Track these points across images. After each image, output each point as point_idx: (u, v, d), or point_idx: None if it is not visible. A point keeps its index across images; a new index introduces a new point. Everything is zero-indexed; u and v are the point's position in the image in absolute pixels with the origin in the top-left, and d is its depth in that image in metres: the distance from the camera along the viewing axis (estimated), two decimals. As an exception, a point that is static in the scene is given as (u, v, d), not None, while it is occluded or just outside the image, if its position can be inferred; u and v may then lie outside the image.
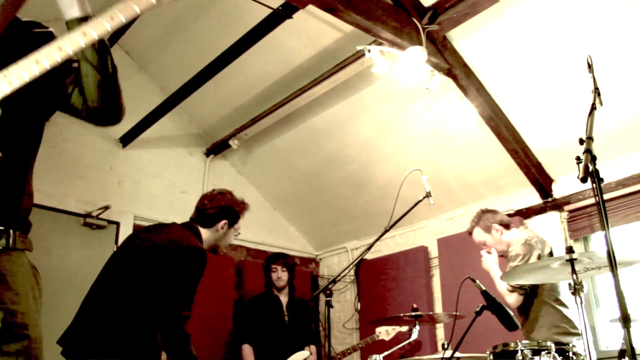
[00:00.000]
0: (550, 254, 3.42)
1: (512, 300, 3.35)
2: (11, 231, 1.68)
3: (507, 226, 3.65)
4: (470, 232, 3.73)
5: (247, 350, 4.64)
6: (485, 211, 3.72)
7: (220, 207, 3.10)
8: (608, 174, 4.00)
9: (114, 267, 2.87)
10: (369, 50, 3.64)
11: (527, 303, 3.35)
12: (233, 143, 5.27)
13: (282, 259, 4.88)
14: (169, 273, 2.69)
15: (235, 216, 3.16)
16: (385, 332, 4.06)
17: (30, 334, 1.60)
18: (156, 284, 2.67)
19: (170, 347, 2.63)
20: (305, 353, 4.60)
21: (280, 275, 4.77)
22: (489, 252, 3.65)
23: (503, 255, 3.61)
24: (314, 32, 4.28)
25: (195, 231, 3.01)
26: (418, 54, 3.50)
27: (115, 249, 4.77)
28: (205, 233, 3.05)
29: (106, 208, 4.70)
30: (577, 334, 3.19)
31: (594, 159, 1.61)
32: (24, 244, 1.75)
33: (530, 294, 3.33)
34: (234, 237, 3.19)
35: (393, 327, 4.03)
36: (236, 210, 3.18)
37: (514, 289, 3.36)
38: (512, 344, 2.55)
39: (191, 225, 3.04)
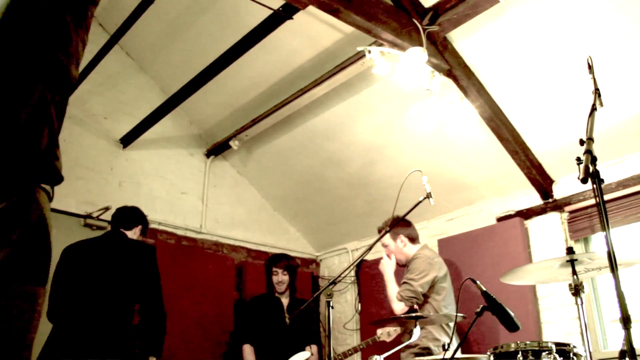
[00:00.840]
0: (445, 276, 3.77)
1: (398, 308, 3.64)
2: None
3: (412, 240, 3.96)
4: (379, 231, 4.01)
5: (248, 350, 4.63)
6: (399, 219, 3.86)
7: (136, 215, 3.80)
8: (608, 175, 4.00)
9: (95, 280, 3.33)
10: (369, 51, 3.64)
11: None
12: (233, 144, 5.27)
13: (283, 260, 4.85)
14: (146, 274, 3.42)
15: (146, 224, 3.85)
16: (386, 334, 4.05)
17: None
18: (138, 286, 3.37)
19: (158, 325, 3.36)
20: (306, 354, 4.59)
21: (281, 279, 4.74)
22: (389, 257, 3.95)
23: (400, 265, 3.92)
24: (314, 33, 4.28)
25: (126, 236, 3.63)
26: (418, 54, 3.50)
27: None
28: (129, 234, 3.66)
29: (107, 209, 4.70)
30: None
31: (594, 159, 1.61)
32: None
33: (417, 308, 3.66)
34: None
35: (394, 328, 4.03)
36: (146, 220, 3.87)
37: (402, 298, 3.65)
38: (513, 345, 2.55)
39: (119, 233, 3.63)
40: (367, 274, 5.57)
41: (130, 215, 3.73)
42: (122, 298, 3.30)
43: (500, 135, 4.19)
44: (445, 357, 2.72)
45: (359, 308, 5.59)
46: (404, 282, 3.73)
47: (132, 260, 3.44)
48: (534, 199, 4.52)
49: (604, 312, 4.10)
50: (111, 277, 3.32)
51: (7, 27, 1.17)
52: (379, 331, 4.08)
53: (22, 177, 1.16)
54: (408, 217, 3.27)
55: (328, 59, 4.36)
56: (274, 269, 4.79)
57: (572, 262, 2.47)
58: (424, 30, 3.68)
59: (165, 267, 4.90)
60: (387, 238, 3.99)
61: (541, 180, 4.39)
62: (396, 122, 4.63)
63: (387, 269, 3.95)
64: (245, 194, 5.99)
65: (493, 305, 2.58)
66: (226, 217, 5.72)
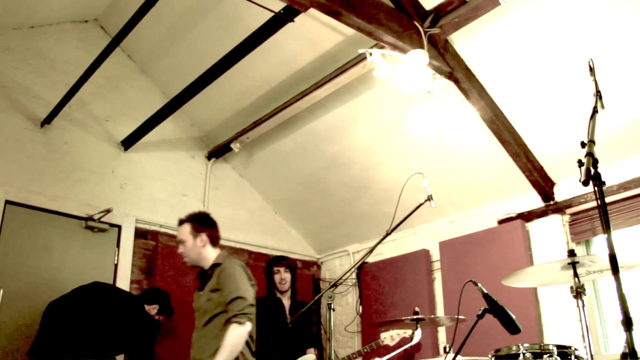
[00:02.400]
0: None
1: (245, 331, 3.07)
2: None
3: (214, 243, 3.50)
4: (181, 222, 3.58)
5: None
6: (207, 217, 3.58)
7: (162, 297, 4.33)
8: (610, 177, 3.99)
9: None
10: (371, 54, 3.63)
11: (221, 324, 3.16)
12: (234, 146, 5.27)
13: (284, 260, 4.88)
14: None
15: (165, 308, 4.30)
16: (389, 338, 4.04)
17: None
18: None
19: None
20: (310, 357, 4.59)
21: (284, 277, 4.75)
22: (181, 254, 3.51)
23: (190, 265, 3.50)
24: (315, 35, 4.29)
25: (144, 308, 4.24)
26: (419, 57, 3.50)
27: (116, 253, 4.79)
28: (146, 307, 4.22)
29: (108, 211, 4.71)
30: None
31: (595, 162, 1.61)
32: None
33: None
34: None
35: (397, 332, 4.02)
36: (167, 304, 4.32)
37: (245, 316, 3.07)
38: (514, 347, 2.55)
39: (141, 305, 4.23)
40: (368, 277, 5.56)
41: (155, 295, 4.30)
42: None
43: (501, 138, 4.19)
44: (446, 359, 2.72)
45: (360, 310, 5.58)
46: (236, 298, 3.13)
47: (137, 328, 4.04)
48: (535, 202, 4.52)
49: (605, 315, 4.09)
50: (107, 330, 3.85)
51: None
52: (383, 335, 4.07)
53: None
54: (409, 220, 3.25)
55: (329, 61, 4.37)
56: (275, 269, 4.80)
57: (573, 265, 2.47)
58: (425, 32, 3.68)
59: (166, 270, 4.92)
60: (186, 233, 3.48)
61: (542, 183, 4.39)
62: (397, 125, 4.63)
63: None
64: (247, 197, 5.99)
65: (494, 308, 2.58)
66: (227, 220, 5.71)
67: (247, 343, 3.18)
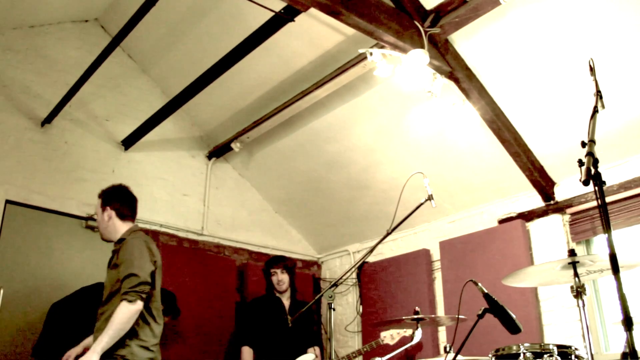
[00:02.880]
0: (160, 266, 3.27)
1: (135, 309, 2.94)
2: None
3: (123, 217, 3.39)
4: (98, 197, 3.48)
5: (247, 353, 4.63)
6: (117, 191, 3.47)
7: (168, 297, 4.16)
8: (610, 177, 3.99)
9: None
10: (371, 54, 3.64)
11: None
12: (235, 146, 5.27)
13: (281, 261, 4.87)
14: None
15: (176, 312, 4.38)
16: (390, 337, 4.04)
17: None
18: None
19: None
20: (310, 356, 4.59)
21: (281, 278, 4.76)
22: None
23: (103, 238, 3.43)
24: (316, 35, 4.29)
25: None
26: (420, 57, 3.50)
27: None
28: None
29: (108, 211, 4.71)
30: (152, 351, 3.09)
31: (596, 161, 1.61)
32: None
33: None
34: None
35: (397, 331, 4.03)
36: (177, 308, 4.38)
37: (136, 294, 2.96)
38: (515, 347, 2.55)
39: None
40: (368, 276, 5.56)
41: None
42: None
43: (501, 138, 4.19)
44: (447, 359, 2.72)
45: (360, 310, 5.58)
46: (129, 275, 3.02)
47: None
48: (536, 201, 4.52)
49: (605, 314, 4.09)
50: None
51: None
52: (383, 334, 4.07)
53: None
54: (409, 220, 3.24)
55: (329, 61, 4.37)
56: (272, 270, 4.81)
57: (573, 264, 2.47)
58: (426, 32, 3.68)
59: (166, 269, 4.92)
60: (97, 207, 3.43)
61: (543, 183, 4.39)
62: (398, 124, 4.63)
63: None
64: (247, 196, 5.99)
65: (494, 308, 2.58)
66: (228, 219, 5.72)
67: (147, 323, 3.09)
